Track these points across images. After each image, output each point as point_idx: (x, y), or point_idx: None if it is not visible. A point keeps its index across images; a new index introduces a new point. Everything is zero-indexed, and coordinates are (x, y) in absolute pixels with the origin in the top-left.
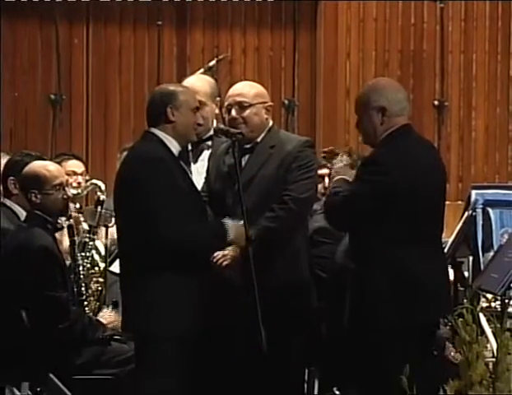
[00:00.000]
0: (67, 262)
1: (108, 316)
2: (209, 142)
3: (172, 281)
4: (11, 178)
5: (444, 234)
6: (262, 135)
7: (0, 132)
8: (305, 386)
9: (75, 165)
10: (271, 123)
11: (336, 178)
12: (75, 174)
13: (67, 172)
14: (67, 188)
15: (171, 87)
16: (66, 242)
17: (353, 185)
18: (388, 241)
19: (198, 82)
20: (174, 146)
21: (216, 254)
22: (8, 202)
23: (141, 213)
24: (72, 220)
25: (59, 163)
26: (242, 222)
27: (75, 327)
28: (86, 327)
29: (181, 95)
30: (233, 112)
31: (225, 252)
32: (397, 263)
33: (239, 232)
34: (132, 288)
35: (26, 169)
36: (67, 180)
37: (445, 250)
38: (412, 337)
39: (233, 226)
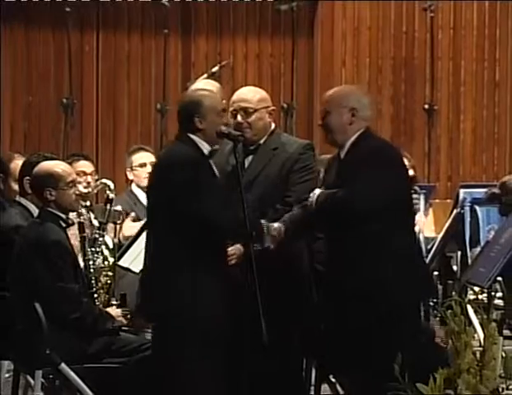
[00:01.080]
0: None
1: (115, 312)
2: (217, 145)
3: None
4: (27, 178)
5: (433, 231)
6: (265, 137)
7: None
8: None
9: (84, 166)
10: (273, 125)
11: (317, 193)
12: (84, 174)
13: (76, 172)
14: (78, 185)
15: (197, 95)
16: (76, 238)
17: (363, 181)
18: (391, 229)
19: (206, 87)
20: (206, 148)
21: None
22: (23, 201)
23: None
24: (82, 218)
25: (70, 163)
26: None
27: (86, 318)
28: (97, 318)
29: (206, 101)
30: (239, 117)
31: (231, 251)
32: (401, 250)
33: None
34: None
35: (39, 168)
36: (76, 179)
37: (435, 245)
38: (414, 318)
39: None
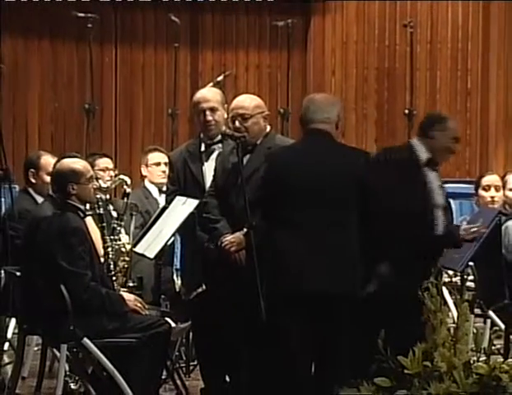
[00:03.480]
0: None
1: (127, 296)
2: (220, 144)
3: None
4: None
5: None
6: (261, 139)
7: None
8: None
9: (107, 162)
10: (268, 128)
11: None
12: (107, 169)
13: (101, 168)
14: (100, 181)
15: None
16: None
17: None
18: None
19: (210, 93)
20: (423, 153)
21: (224, 240)
22: (56, 195)
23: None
24: (101, 210)
25: (93, 161)
26: None
27: (93, 301)
28: (104, 301)
29: (451, 123)
30: (237, 123)
31: (232, 239)
32: (272, 244)
33: None
34: None
35: (61, 165)
36: (95, 175)
37: None
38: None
39: None
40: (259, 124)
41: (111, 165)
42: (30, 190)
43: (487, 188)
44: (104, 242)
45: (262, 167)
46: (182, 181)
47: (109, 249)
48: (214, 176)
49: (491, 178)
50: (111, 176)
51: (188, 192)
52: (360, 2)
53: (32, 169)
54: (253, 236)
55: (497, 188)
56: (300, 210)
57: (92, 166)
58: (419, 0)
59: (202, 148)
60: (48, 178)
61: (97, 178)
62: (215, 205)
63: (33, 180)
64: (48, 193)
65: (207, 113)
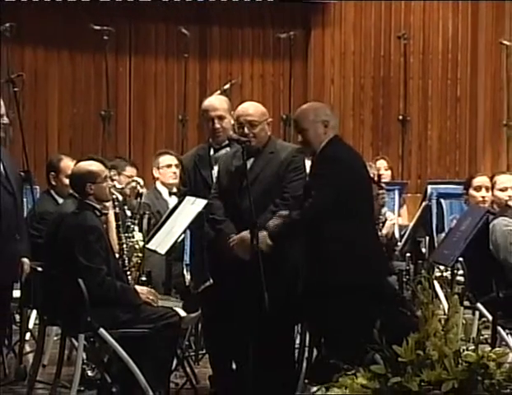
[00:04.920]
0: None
1: (140, 289)
2: (227, 148)
3: None
4: None
5: (406, 220)
6: (264, 143)
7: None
8: (299, 337)
9: (132, 171)
10: (269, 133)
11: None
12: (130, 177)
13: (127, 175)
14: (115, 182)
15: None
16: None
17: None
18: (333, 218)
19: (217, 101)
20: None
21: (232, 238)
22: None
23: None
24: (117, 209)
25: (123, 166)
26: None
27: (108, 294)
28: (119, 294)
29: None
30: (246, 129)
31: (235, 237)
32: (342, 237)
33: None
34: None
35: (78, 167)
36: (120, 181)
37: (407, 232)
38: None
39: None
40: (265, 130)
41: (134, 173)
42: (52, 192)
43: (478, 189)
44: (119, 239)
45: (266, 169)
46: (192, 183)
47: (124, 246)
48: (217, 178)
49: (481, 180)
50: (133, 187)
51: (198, 193)
52: (358, 16)
53: (53, 172)
54: (256, 234)
55: (487, 189)
56: (368, 205)
57: (118, 170)
58: (413, 0)
59: (211, 152)
60: (67, 181)
61: (112, 179)
62: (219, 206)
63: (53, 182)
64: (69, 193)
65: (216, 121)
